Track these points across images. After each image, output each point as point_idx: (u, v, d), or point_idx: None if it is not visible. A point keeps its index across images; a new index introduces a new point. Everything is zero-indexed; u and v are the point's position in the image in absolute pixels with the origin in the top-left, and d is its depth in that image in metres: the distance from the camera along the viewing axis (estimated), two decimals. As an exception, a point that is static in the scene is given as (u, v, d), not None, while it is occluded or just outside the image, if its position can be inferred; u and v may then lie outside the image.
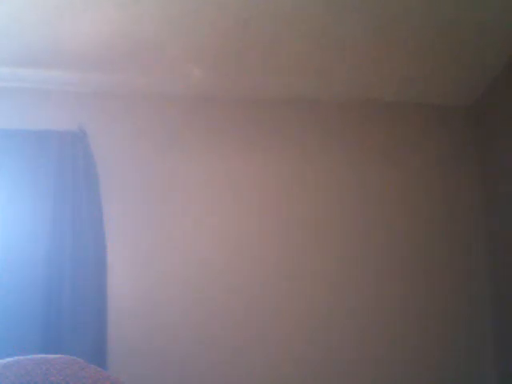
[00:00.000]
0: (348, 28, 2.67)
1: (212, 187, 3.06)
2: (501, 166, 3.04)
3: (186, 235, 2.98)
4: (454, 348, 2.99)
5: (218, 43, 2.75)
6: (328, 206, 3.12)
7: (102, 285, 2.75)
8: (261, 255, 3.00)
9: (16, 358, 1.42)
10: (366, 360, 2.93)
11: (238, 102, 3.19)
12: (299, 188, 3.12)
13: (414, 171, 3.22)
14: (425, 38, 2.77)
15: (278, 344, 2.90)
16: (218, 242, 2.99)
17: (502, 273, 2.99)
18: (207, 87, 3.11)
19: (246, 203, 3.07)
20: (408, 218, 3.15)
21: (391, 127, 3.27)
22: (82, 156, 2.85)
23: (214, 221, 3.02)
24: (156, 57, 2.84)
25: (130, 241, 2.93)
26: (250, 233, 3.03)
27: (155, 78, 3.03)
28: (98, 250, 2.76)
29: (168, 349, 2.81)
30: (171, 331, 2.83)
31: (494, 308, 3.04)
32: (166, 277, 2.91)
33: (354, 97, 3.24)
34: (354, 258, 3.06)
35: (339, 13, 2.57)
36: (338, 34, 2.72)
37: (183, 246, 2.96)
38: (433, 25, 2.67)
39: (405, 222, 3.14)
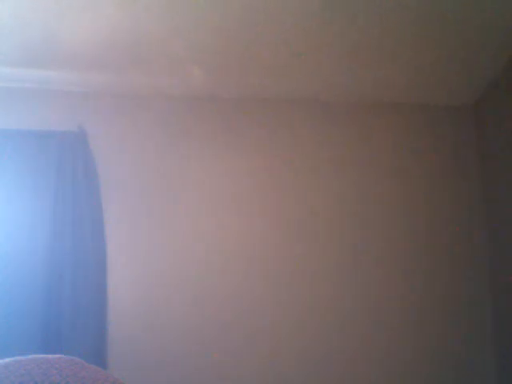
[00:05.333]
0: (348, 28, 2.67)
1: (212, 187, 3.07)
2: (501, 165, 3.04)
3: (185, 235, 2.98)
4: (453, 348, 2.99)
5: (218, 43, 2.75)
6: (328, 205, 3.12)
7: (101, 285, 2.75)
8: (260, 255, 3.01)
9: (16, 358, 1.42)
10: (366, 360, 2.93)
11: (239, 102, 3.19)
12: (299, 188, 3.12)
13: (413, 171, 3.21)
14: (425, 38, 2.76)
15: (277, 344, 2.91)
16: (218, 241, 3.00)
17: (502, 273, 2.99)
18: (207, 87, 3.11)
19: (246, 203, 3.07)
20: (408, 218, 3.15)
21: (391, 127, 3.27)
22: (82, 156, 2.85)
23: (214, 220, 3.02)
24: (156, 57, 2.84)
25: (130, 241, 2.93)
26: (249, 233, 3.03)
27: (155, 78, 3.03)
28: (97, 250, 2.77)
29: (168, 349, 2.81)
30: (171, 331, 2.83)
31: (494, 308, 3.04)
32: (165, 277, 2.91)
33: (354, 97, 3.24)
34: (353, 259, 3.06)
35: (339, 13, 2.57)
36: (338, 34, 2.71)
37: (183, 245, 2.96)
38: (433, 25, 2.67)
39: (404, 222, 3.14)
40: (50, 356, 1.43)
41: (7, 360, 1.40)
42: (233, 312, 2.91)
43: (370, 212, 3.13)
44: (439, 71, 3.04)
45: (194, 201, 3.03)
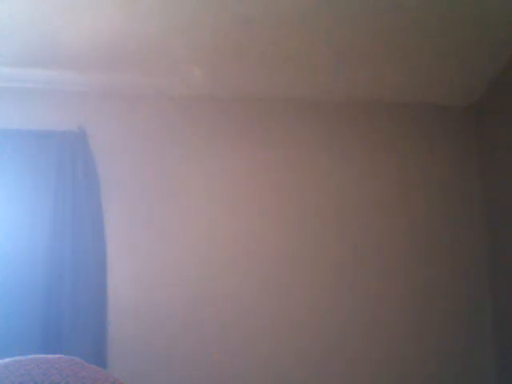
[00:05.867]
0: (348, 28, 2.67)
1: (212, 187, 3.06)
2: (501, 165, 3.04)
3: (185, 235, 2.98)
4: (453, 348, 2.99)
5: (218, 43, 2.75)
6: (328, 205, 3.12)
7: (101, 285, 2.75)
8: (260, 255, 3.00)
9: (16, 358, 1.42)
10: (366, 360, 2.93)
11: (238, 102, 3.19)
12: (299, 187, 3.12)
13: (413, 171, 3.21)
14: (425, 38, 2.77)
15: (277, 344, 2.91)
16: (218, 241, 2.99)
17: (502, 273, 2.99)
18: (207, 87, 3.11)
19: (245, 203, 3.07)
20: (408, 218, 3.15)
21: (391, 127, 3.27)
22: (82, 156, 2.85)
23: (214, 220, 3.02)
24: (156, 56, 2.84)
25: (130, 241, 2.93)
26: (249, 232, 3.03)
27: (155, 78, 3.02)
28: (97, 250, 2.76)
29: (168, 349, 2.81)
30: (171, 331, 2.83)
31: (494, 308, 3.04)
32: (165, 277, 2.91)
33: (354, 97, 3.24)
34: (353, 259, 3.06)
35: (339, 13, 2.57)
36: (337, 34, 2.71)
37: (183, 245, 2.96)
38: (433, 25, 2.67)
39: (404, 222, 3.14)
40: (50, 356, 1.44)
41: (7, 360, 1.40)
42: (233, 312, 2.91)
43: (369, 212, 3.13)
44: (439, 71, 3.03)
45: (193, 201, 3.03)
